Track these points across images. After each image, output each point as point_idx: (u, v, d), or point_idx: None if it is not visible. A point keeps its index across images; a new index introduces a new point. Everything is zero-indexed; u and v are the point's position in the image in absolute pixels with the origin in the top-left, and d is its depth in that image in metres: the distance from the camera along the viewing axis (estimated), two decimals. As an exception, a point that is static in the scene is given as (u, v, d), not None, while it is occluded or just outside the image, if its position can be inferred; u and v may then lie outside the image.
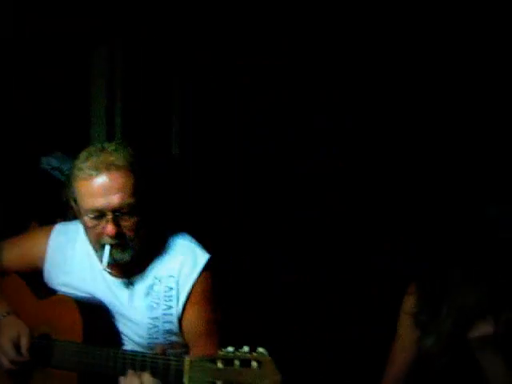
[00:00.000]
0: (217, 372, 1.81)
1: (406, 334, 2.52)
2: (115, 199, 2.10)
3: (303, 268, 3.37)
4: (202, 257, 2.26)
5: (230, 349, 1.83)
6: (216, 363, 1.82)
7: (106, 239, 2.13)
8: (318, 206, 3.42)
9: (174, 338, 2.26)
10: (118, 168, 2.11)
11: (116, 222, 2.11)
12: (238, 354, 1.81)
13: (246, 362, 1.81)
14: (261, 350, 1.82)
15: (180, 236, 2.32)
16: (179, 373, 1.85)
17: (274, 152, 3.38)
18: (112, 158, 2.12)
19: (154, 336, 2.25)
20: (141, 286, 2.26)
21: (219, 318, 2.26)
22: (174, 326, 2.25)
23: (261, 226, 3.36)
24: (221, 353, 1.82)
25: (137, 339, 2.26)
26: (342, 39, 3.36)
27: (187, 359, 1.85)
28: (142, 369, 1.95)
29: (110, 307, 2.27)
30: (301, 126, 3.39)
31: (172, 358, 1.90)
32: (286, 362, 1.91)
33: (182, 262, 2.25)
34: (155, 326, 2.25)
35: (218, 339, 2.21)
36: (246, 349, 1.83)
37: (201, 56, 3.32)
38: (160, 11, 3.27)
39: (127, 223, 2.13)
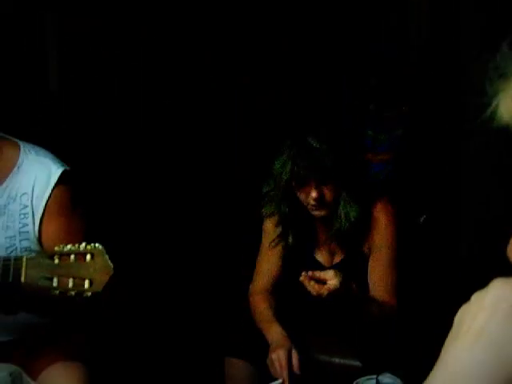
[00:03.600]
0: (53, 268, 1.82)
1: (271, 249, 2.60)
2: None
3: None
4: (55, 171, 2.24)
5: (68, 245, 1.85)
6: (53, 259, 1.83)
7: None
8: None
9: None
10: None
11: None
12: (74, 248, 1.83)
13: (81, 256, 1.83)
14: (96, 244, 1.84)
15: (32, 151, 2.28)
16: (18, 271, 1.85)
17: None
18: None
19: (13, 255, 2.25)
20: None
21: (77, 231, 2.22)
22: (32, 244, 2.24)
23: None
24: (57, 249, 1.84)
25: (-4, 259, 2.26)
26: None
27: (24, 257, 1.85)
28: None
29: None
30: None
31: (12, 257, 1.90)
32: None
33: (35, 178, 2.23)
34: (13, 245, 2.24)
35: None
36: (83, 244, 1.85)
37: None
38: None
39: None
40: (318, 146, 2.34)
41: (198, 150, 3.38)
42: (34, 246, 2.25)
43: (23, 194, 2.24)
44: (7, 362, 2.26)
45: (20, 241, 2.24)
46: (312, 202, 2.39)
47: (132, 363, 3.01)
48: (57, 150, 2.35)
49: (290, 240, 2.50)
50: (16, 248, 2.24)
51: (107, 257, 1.81)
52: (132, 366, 3.00)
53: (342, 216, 2.42)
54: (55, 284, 1.81)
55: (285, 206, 2.45)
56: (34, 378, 2.22)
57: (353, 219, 2.42)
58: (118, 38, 3.17)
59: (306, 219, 2.50)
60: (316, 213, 2.43)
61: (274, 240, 2.56)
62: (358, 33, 3.36)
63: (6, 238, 2.24)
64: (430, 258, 3.04)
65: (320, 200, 2.38)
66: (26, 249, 2.24)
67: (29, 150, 2.28)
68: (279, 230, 2.53)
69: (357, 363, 2.49)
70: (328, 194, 2.38)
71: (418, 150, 3.26)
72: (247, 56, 3.43)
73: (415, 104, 3.28)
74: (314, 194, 2.36)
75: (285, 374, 2.32)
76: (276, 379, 2.34)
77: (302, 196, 2.42)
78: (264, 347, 2.41)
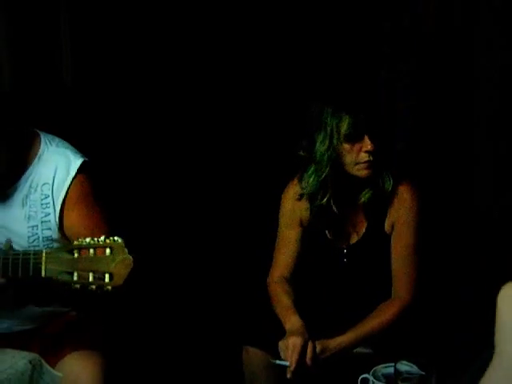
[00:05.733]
0: (73, 261, 1.84)
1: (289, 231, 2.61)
2: None
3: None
4: (75, 161, 2.28)
5: (87, 239, 1.86)
6: (72, 253, 1.84)
7: None
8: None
9: (55, 245, 2.28)
10: None
11: None
12: (93, 242, 1.84)
13: (100, 250, 1.84)
14: (116, 237, 1.85)
15: (53, 143, 2.32)
16: (38, 266, 1.87)
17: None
18: None
19: (35, 244, 2.27)
20: (16, 196, 2.28)
21: (98, 220, 2.25)
22: (54, 233, 2.27)
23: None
24: (76, 242, 1.85)
25: (18, 249, 2.27)
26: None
27: (44, 251, 1.87)
28: (4, 266, 1.96)
29: None
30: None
31: (30, 251, 1.91)
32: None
33: (56, 169, 2.26)
34: (35, 234, 2.27)
35: None
36: (101, 238, 1.85)
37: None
38: None
39: None
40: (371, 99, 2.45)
41: (212, 142, 3.36)
42: (56, 235, 2.28)
43: (44, 183, 2.27)
44: (27, 349, 2.29)
45: (42, 230, 2.27)
46: (365, 158, 2.39)
47: (149, 353, 3.03)
48: (73, 143, 2.37)
49: (334, 209, 2.49)
50: (38, 237, 2.27)
51: (126, 250, 1.82)
52: (149, 355, 3.03)
53: (381, 183, 2.47)
54: (75, 278, 1.83)
55: (330, 170, 2.45)
56: (53, 366, 2.25)
57: (388, 188, 2.46)
58: (130, 30, 3.15)
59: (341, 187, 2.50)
60: (365, 172, 2.42)
61: (300, 218, 2.57)
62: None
63: (28, 227, 2.27)
64: (450, 243, 3.04)
65: (373, 155, 2.39)
66: (48, 238, 2.28)
67: (49, 141, 2.32)
68: (314, 202, 2.51)
69: (367, 350, 2.50)
70: (376, 153, 2.40)
71: (427, 141, 3.24)
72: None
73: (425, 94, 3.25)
74: (369, 147, 2.38)
75: (294, 358, 2.34)
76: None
77: (351, 156, 2.41)
78: (281, 336, 2.42)
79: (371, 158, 2.40)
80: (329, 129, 2.40)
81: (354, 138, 2.39)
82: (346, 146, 2.41)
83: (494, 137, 3.11)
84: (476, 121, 3.13)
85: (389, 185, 2.47)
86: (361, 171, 2.43)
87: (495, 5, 3.02)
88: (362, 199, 2.50)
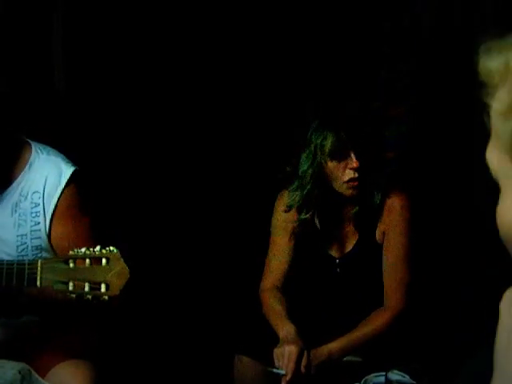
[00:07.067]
0: (68, 272, 1.83)
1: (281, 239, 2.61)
2: None
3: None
4: (66, 170, 2.26)
5: (83, 249, 1.85)
6: (68, 263, 1.83)
7: None
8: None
9: (44, 255, 2.25)
10: None
11: None
12: (88, 252, 1.83)
13: (96, 260, 1.82)
14: (111, 247, 1.84)
15: (44, 151, 2.30)
16: (33, 275, 1.85)
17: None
18: None
19: (24, 253, 2.24)
20: (6, 203, 2.25)
21: (87, 231, 2.24)
22: (43, 242, 2.25)
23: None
24: (72, 253, 1.84)
25: (6, 257, 2.24)
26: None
27: (39, 261, 1.85)
28: None
29: None
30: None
31: (25, 260, 1.90)
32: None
33: (47, 177, 2.24)
34: (24, 243, 2.25)
35: None
36: (97, 248, 1.84)
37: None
38: None
39: None
40: (357, 115, 2.46)
41: (204, 147, 3.35)
42: (45, 245, 2.25)
43: (34, 192, 2.25)
44: (15, 359, 2.26)
45: (31, 239, 2.24)
46: (351, 175, 2.40)
47: (141, 362, 3.01)
48: (64, 151, 2.36)
49: (317, 224, 2.49)
50: (27, 246, 2.24)
51: (123, 260, 1.81)
52: (141, 364, 3.01)
53: (369, 198, 2.47)
54: (71, 288, 1.82)
55: (314, 186, 2.45)
56: (43, 376, 2.22)
57: (376, 202, 2.46)
58: (123, 36, 3.14)
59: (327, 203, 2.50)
60: (350, 191, 2.44)
61: (292, 227, 2.55)
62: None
63: (17, 235, 2.24)
64: (442, 250, 3.05)
65: (358, 172, 2.40)
66: (37, 247, 2.25)
67: (40, 150, 2.30)
68: (299, 215, 2.52)
69: (358, 359, 2.50)
70: (362, 170, 2.41)
71: (426, 147, 3.25)
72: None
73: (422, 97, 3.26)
74: (354, 164, 2.39)
75: (291, 367, 2.33)
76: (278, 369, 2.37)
77: (337, 173, 2.42)
78: (274, 345, 2.41)
79: (356, 176, 2.41)
80: (312, 146, 2.43)
81: (338, 155, 2.41)
82: (331, 163, 2.42)
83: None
84: (476, 120, 3.14)
85: (377, 199, 2.48)
86: (347, 191, 2.45)
87: (495, 4, 3.04)
88: (350, 213, 2.50)
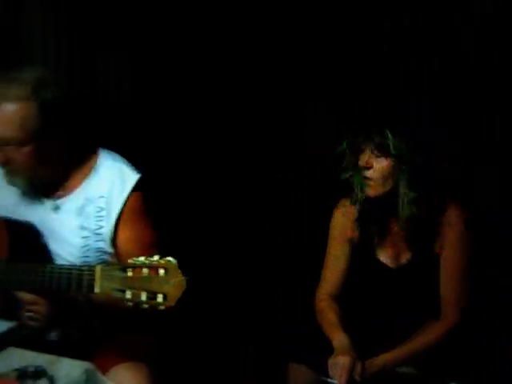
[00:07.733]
0: (126, 280, 1.85)
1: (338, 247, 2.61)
2: None
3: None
4: (131, 177, 2.31)
5: (141, 258, 1.88)
6: (126, 271, 1.86)
7: None
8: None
9: (105, 257, 2.31)
10: (8, 98, 2.13)
11: (3, 152, 2.17)
12: (147, 262, 1.85)
13: (154, 270, 1.85)
14: (169, 258, 1.86)
15: (109, 156, 2.36)
16: (91, 282, 1.89)
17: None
18: (7, 88, 2.13)
19: (86, 254, 2.30)
20: (72, 206, 2.31)
21: (151, 237, 2.29)
22: (106, 245, 2.30)
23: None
24: (130, 261, 1.86)
25: (70, 258, 2.31)
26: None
27: (98, 267, 1.89)
28: (59, 280, 1.98)
29: (42, 228, 2.31)
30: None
31: (84, 267, 1.94)
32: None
33: (112, 182, 2.30)
34: (87, 245, 2.30)
35: None
36: (155, 257, 1.87)
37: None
38: None
39: (13, 154, 2.17)
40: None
41: (257, 153, 3.37)
42: (108, 248, 2.31)
43: (100, 196, 2.30)
44: (79, 358, 2.31)
45: (95, 241, 2.30)
46: (364, 173, 2.41)
47: (196, 366, 3.05)
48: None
49: (374, 234, 2.52)
50: (90, 248, 2.30)
51: (180, 272, 1.83)
52: (196, 368, 3.04)
53: (402, 200, 2.42)
54: (128, 296, 1.84)
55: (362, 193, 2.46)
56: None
57: (414, 208, 2.41)
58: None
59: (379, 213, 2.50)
60: (367, 189, 2.43)
61: (350, 237, 2.57)
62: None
63: (81, 237, 2.30)
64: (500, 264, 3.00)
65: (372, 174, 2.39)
66: (100, 249, 2.31)
67: (106, 156, 2.36)
68: (353, 224, 2.55)
69: (412, 370, 2.49)
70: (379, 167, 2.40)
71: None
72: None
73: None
74: (365, 162, 2.40)
75: (344, 378, 2.35)
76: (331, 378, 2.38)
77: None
78: (328, 354, 2.42)
79: (368, 175, 2.41)
80: (347, 158, 2.45)
81: (355, 151, 2.42)
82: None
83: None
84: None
85: (413, 197, 2.42)
86: (366, 189, 2.44)
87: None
88: (405, 223, 2.48)
